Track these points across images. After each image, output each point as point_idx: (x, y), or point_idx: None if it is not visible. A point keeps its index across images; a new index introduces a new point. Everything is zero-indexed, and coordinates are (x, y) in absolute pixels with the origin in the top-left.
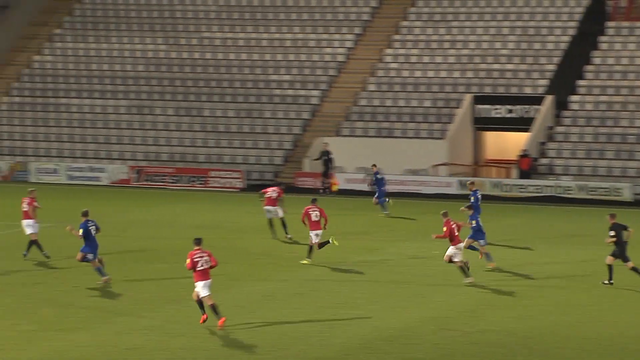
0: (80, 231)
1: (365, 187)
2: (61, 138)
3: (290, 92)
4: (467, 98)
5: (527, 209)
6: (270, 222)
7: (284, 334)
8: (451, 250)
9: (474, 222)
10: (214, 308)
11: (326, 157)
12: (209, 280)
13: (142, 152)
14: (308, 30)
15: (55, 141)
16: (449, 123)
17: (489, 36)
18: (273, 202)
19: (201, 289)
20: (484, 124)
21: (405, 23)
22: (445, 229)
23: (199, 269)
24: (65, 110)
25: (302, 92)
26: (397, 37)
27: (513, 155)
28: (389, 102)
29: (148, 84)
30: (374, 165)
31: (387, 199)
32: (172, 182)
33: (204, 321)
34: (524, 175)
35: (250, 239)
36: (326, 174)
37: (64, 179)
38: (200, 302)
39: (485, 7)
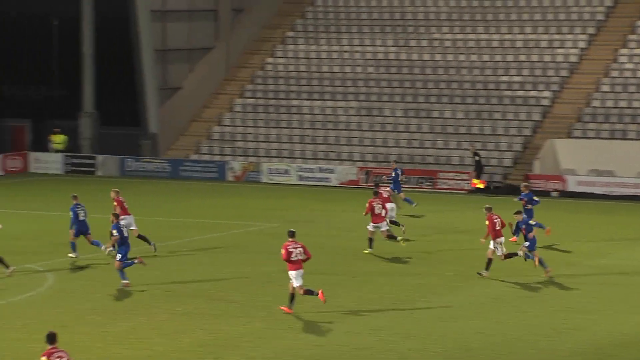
0: (115, 232)
1: (596, 189)
2: (292, 139)
3: (520, 93)
4: None
5: None
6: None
7: (512, 338)
8: (492, 245)
9: (523, 226)
10: (307, 293)
11: (476, 158)
12: (301, 270)
13: (370, 153)
14: (540, 31)
15: (286, 142)
16: None
17: None
18: (387, 200)
19: (294, 278)
20: None
21: None
22: (487, 223)
23: (292, 259)
24: (297, 111)
25: (533, 94)
26: (632, 36)
27: None
28: (622, 104)
29: (378, 86)
30: (395, 161)
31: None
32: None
33: (287, 312)
34: None
35: (477, 241)
36: (476, 173)
37: (295, 180)
38: (292, 296)
39: None
